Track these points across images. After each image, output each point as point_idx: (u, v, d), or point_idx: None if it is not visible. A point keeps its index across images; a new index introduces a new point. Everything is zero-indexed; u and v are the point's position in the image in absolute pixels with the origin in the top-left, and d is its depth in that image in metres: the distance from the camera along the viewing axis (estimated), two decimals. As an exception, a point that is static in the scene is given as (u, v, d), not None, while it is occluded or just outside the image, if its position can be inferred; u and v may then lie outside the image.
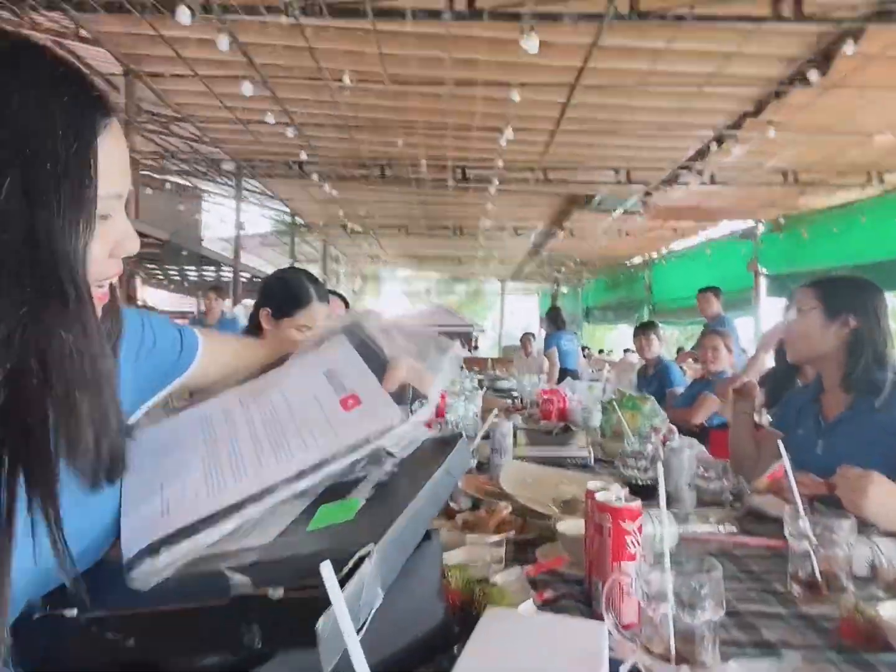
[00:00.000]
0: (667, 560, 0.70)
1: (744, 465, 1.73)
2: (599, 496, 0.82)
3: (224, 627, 0.50)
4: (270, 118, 5.84)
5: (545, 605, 0.83)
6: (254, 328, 1.78)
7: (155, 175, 9.52)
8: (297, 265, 11.78)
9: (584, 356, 11.26)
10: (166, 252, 9.47)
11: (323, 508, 0.60)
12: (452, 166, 7.35)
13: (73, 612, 0.52)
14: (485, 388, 3.79)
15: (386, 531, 0.53)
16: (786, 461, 1.07)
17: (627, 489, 0.85)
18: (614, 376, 5.80)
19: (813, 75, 4.51)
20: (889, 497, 1.11)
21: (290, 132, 6.26)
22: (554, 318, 7.55)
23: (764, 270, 8.70)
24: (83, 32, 4.97)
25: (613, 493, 0.82)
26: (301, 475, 0.59)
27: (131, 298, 6.48)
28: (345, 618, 0.42)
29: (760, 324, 8.64)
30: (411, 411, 0.64)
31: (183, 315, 16.81)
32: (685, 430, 3.17)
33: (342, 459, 0.61)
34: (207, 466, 0.66)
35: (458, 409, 2.09)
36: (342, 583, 0.46)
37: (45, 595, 0.58)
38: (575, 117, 5.76)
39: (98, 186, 0.54)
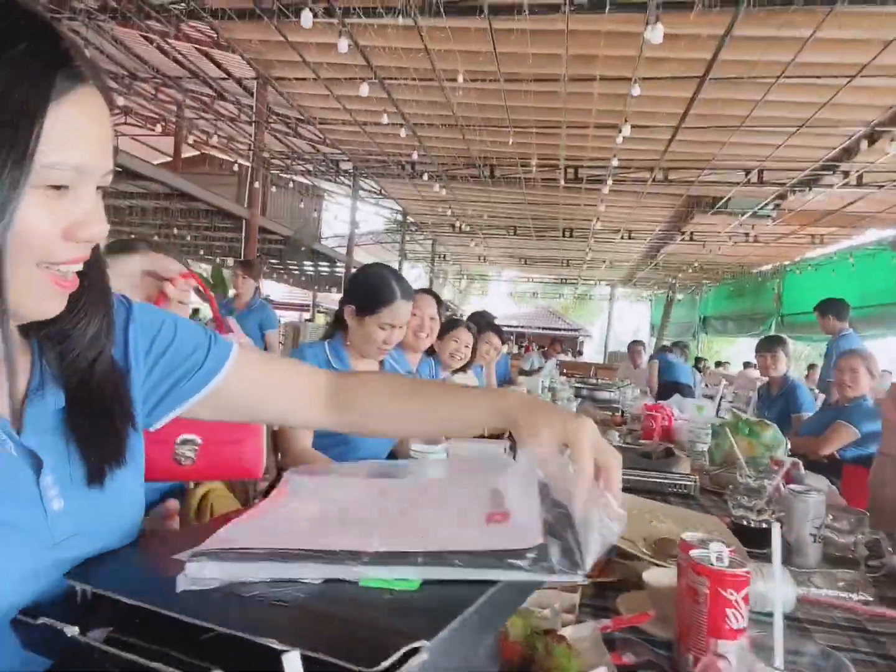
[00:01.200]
0: (779, 652, 0.55)
1: (886, 517, 1.46)
2: (695, 554, 0.68)
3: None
4: (385, 119, 5.96)
5: (622, 673, 0.71)
6: (338, 324, 1.76)
7: (283, 175, 10.12)
8: (406, 263, 12.06)
9: (699, 369, 10.56)
10: (288, 247, 10.05)
11: None
12: (564, 166, 7.13)
13: (75, 630, 0.47)
14: (580, 399, 3.58)
15: (446, 625, 0.43)
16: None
17: (731, 548, 0.69)
18: (731, 393, 5.34)
19: None
20: None
21: (403, 132, 6.36)
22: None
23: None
24: (222, 42, 5.35)
25: (713, 551, 0.67)
26: (385, 558, 0.52)
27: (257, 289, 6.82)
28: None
29: (911, 345, 7.63)
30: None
31: (295, 307, 17.87)
32: (812, 462, 2.81)
33: (440, 567, 0.51)
34: (320, 516, 0.62)
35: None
36: None
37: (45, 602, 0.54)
38: (701, 114, 5.37)
39: (44, 152, 0.49)
